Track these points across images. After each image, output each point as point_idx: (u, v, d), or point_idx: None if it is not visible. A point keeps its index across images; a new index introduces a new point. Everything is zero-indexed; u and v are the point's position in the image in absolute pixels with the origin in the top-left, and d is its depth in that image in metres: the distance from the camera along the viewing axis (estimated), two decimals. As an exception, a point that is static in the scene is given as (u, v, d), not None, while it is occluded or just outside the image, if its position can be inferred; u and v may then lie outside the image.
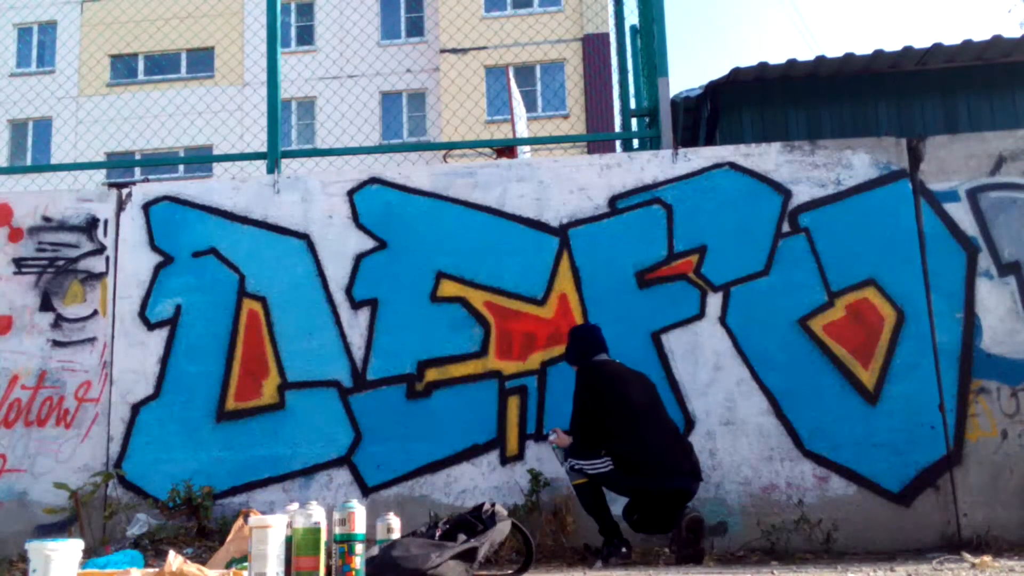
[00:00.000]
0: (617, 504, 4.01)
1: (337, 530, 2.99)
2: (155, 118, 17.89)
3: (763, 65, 6.60)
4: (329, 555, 2.99)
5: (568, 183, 4.72)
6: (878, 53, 6.55)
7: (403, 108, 21.80)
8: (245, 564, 2.86)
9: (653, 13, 5.17)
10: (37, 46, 22.92)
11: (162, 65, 22.19)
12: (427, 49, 21.78)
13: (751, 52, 54.03)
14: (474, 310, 4.62)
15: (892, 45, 12.75)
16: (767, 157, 4.66)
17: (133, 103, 20.51)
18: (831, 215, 4.56)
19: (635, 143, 6.63)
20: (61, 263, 4.89)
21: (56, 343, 4.78)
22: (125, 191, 4.95)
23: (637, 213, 4.65)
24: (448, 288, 4.65)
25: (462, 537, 3.25)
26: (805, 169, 4.63)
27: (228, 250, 4.81)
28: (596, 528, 3.93)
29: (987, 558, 3.60)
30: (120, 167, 12.79)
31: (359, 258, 4.74)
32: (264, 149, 5.20)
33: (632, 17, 6.82)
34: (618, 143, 8.12)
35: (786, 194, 4.60)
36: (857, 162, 4.61)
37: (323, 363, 4.64)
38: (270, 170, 5.07)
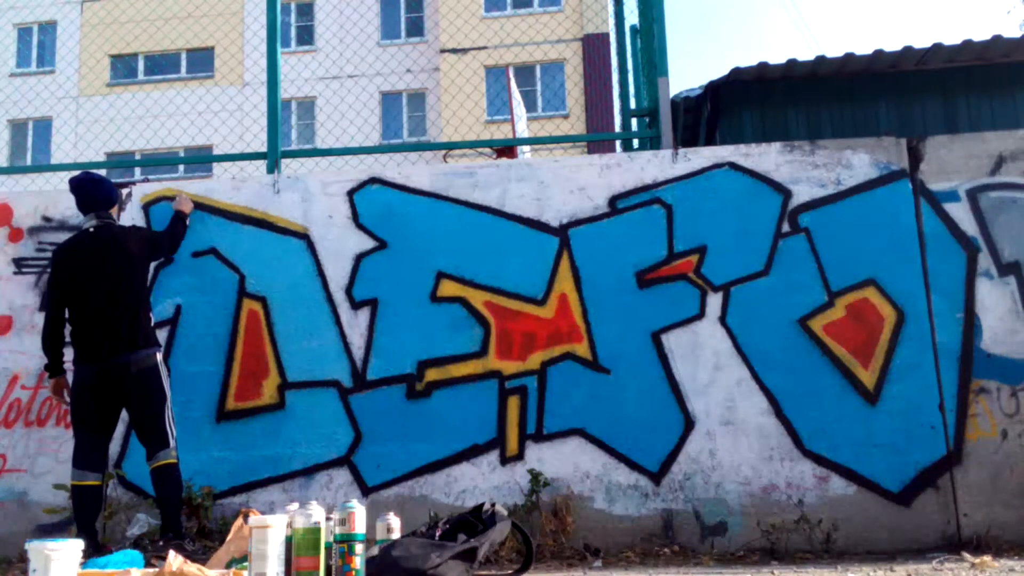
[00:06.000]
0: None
1: (337, 530, 2.99)
2: (155, 118, 17.89)
3: (763, 65, 6.60)
4: (329, 555, 2.99)
5: (568, 183, 4.72)
6: (878, 53, 6.55)
7: (403, 108, 21.82)
8: (245, 564, 2.86)
9: (653, 13, 5.17)
10: (37, 46, 22.93)
11: (162, 65, 22.20)
12: (427, 49, 21.79)
13: (751, 52, 54.05)
14: (474, 310, 4.62)
15: (892, 45, 12.76)
16: (767, 157, 4.66)
17: (133, 103, 20.54)
18: (831, 215, 4.56)
19: (635, 143, 6.63)
20: (61, 263, 4.87)
21: (56, 343, 4.77)
22: (125, 191, 4.95)
23: (637, 213, 4.65)
24: (448, 288, 4.65)
25: (462, 537, 3.25)
26: (805, 169, 4.62)
27: (228, 250, 4.80)
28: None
29: (987, 558, 3.61)
30: (120, 167, 12.77)
31: (359, 258, 4.74)
32: (264, 149, 5.19)
33: (632, 17, 6.83)
34: (618, 143, 8.13)
35: (786, 194, 4.60)
36: (857, 162, 4.61)
37: (323, 363, 4.64)
38: (270, 170, 5.07)
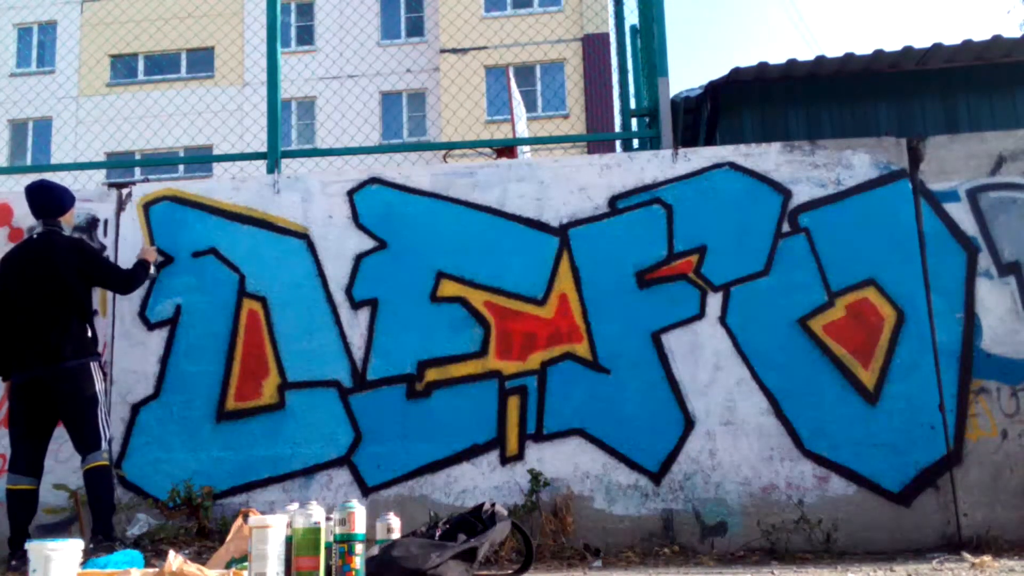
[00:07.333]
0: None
1: (337, 530, 2.99)
2: (155, 118, 17.90)
3: (763, 65, 6.59)
4: (329, 555, 2.99)
5: (568, 183, 4.72)
6: (878, 53, 6.54)
7: (403, 108, 21.83)
8: (245, 564, 2.86)
9: (653, 13, 5.17)
10: (37, 46, 22.94)
11: (162, 65, 22.21)
12: (427, 49, 21.80)
13: (751, 52, 54.04)
14: (474, 310, 4.62)
15: (892, 45, 12.75)
16: (767, 157, 4.66)
17: (133, 103, 20.53)
18: (831, 215, 4.56)
19: (635, 143, 6.63)
20: (61, 263, 4.86)
21: (56, 343, 4.76)
22: (125, 191, 4.95)
23: (637, 213, 4.65)
24: (448, 288, 4.65)
25: (462, 537, 3.25)
26: (805, 169, 4.62)
27: (228, 250, 4.80)
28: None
29: (987, 558, 3.61)
30: (120, 167, 12.78)
31: (359, 258, 4.74)
32: (264, 149, 5.20)
33: (632, 17, 6.83)
34: (618, 143, 8.12)
35: (786, 194, 4.60)
36: (857, 162, 4.61)
37: (323, 363, 4.64)
38: (270, 170, 5.07)
